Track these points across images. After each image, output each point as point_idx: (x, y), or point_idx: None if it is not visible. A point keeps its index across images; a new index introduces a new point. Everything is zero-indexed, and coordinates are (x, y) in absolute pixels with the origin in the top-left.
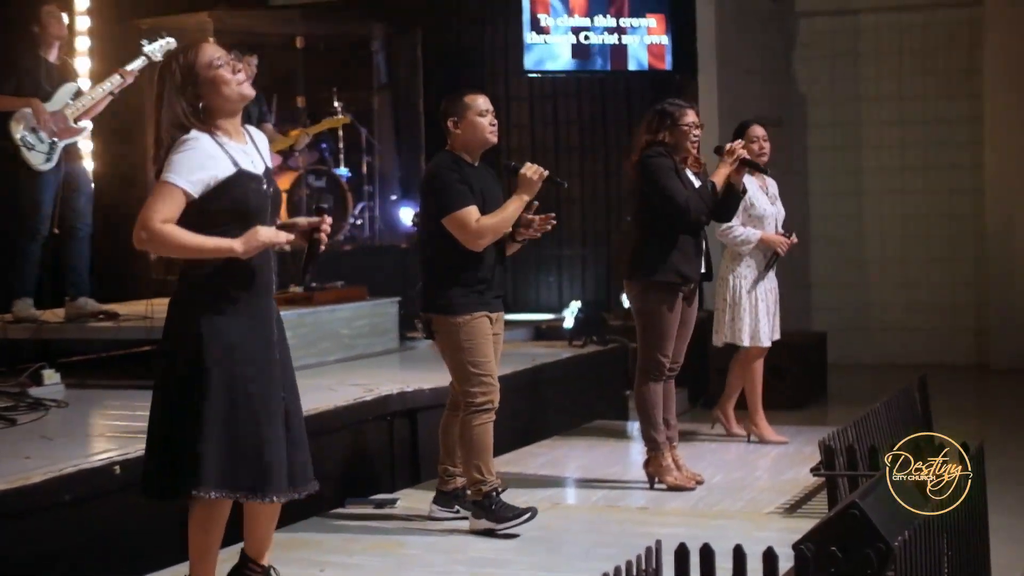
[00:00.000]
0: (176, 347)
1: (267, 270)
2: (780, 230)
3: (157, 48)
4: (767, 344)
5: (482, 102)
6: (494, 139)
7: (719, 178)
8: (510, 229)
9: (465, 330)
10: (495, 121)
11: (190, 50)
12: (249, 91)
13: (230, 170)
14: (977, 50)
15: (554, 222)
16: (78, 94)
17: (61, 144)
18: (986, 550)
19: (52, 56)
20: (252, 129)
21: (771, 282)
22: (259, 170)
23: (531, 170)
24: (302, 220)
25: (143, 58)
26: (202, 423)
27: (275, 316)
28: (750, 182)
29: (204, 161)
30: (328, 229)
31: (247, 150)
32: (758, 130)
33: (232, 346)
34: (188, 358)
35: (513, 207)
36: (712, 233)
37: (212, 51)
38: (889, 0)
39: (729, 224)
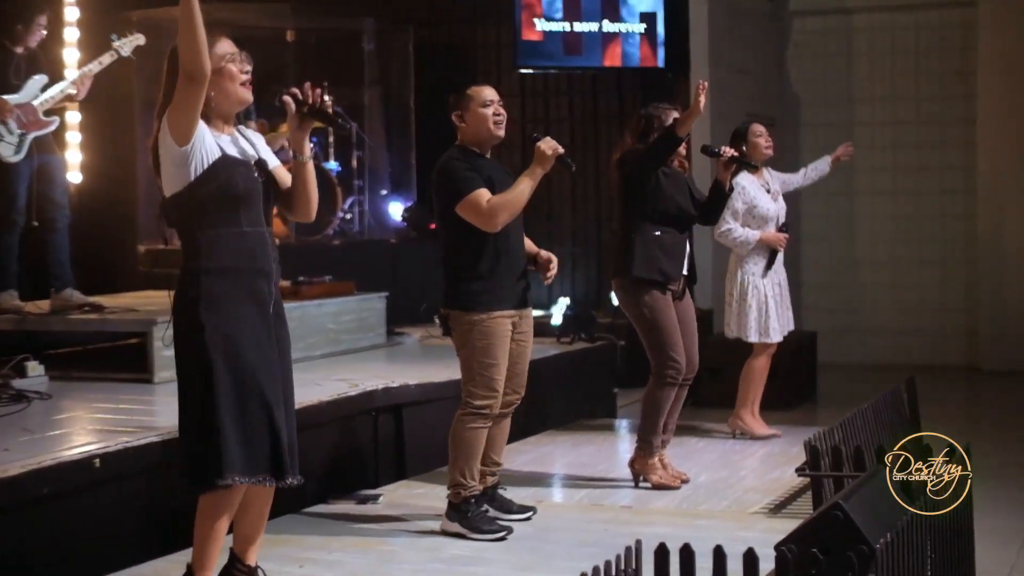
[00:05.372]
0: (183, 341)
1: (266, 257)
2: (781, 225)
3: (126, 43)
4: (777, 339)
5: (487, 93)
6: (500, 132)
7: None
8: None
9: (480, 329)
10: (500, 111)
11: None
12: (247, 96)
13: (216, 154)
14: (970, 51)
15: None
16: (47, 86)
17: (30, 136)
18: (971, 552)
19: (20, 48)
20: (248, 131)
21: (779, 275)
22: (247, 157)
23: (547, 144)
24: (288, 101)
25: (112, 52)
26: (216, 413)
27: (276, 303)
28: (752, 183)
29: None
30: (309, 91)
31: (234, 141)
32: (759, 127)
33: (233, 336)
34: (194, 351)
35: (526, 182)
36: (700, 236)
37: (228, 46)
38: (882, 0)
39: (729, 226)
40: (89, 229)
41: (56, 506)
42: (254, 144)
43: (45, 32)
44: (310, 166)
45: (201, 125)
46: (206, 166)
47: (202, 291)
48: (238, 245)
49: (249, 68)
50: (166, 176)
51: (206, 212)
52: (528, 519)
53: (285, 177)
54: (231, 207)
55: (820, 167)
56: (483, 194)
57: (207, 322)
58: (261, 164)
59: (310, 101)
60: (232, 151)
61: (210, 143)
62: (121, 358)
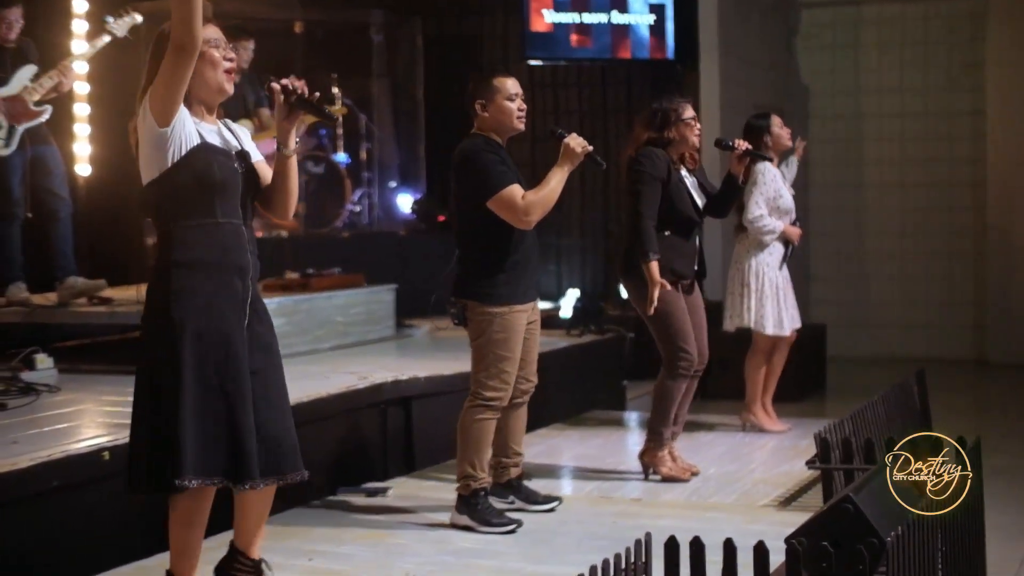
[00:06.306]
0: (151, 334)
1: (241, 251)
2: (794, 220)
3: (121, 24)
4: (788, 332)
5: (511, 85)
6: (521, 126)
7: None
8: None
9: (499, 322)
10: (524, 106)
11: None
12: (228, 87)
13: (195, 140)
14: (979, 43)
15: None
16: (37, 76)
17: (20, 128)
18: (982, 547)
19: (6, 41)
20: (233, 124)
21: (786, 270)
22: (229, 147)
23: (576, 141)
24: (276, 89)
25: (107, 35)
26: (177, 410)
27: (251, 300)
28: (778, 176)
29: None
30: (293, 82)
31: (218, 131)
32: (778, 119)
33: (203, 331)
34: (161, 345)
35: (556, 179)
36: (709, 233)
37: (212, 31)
38: None
39: (761, 212)
40: (98, 221)
41: (65, 499)
42: (238, 137)
43: (21, 23)
44: (293, 161)
45: (183, 110)
46: (184, 152)
47: (173, 284)
48: (212, 237)
49: (233, 57)
50: (144, 161)
51: (181, 201)
52: (552, 510)
53: (267, 173)
54: (207, 197)
55: (792, 169)
56: (517, 190)
57: (177, 316)
58: (243, 155)
59: (296, 91)
60: (213, 139)
61: (190, 129)
62: (130, 350)
